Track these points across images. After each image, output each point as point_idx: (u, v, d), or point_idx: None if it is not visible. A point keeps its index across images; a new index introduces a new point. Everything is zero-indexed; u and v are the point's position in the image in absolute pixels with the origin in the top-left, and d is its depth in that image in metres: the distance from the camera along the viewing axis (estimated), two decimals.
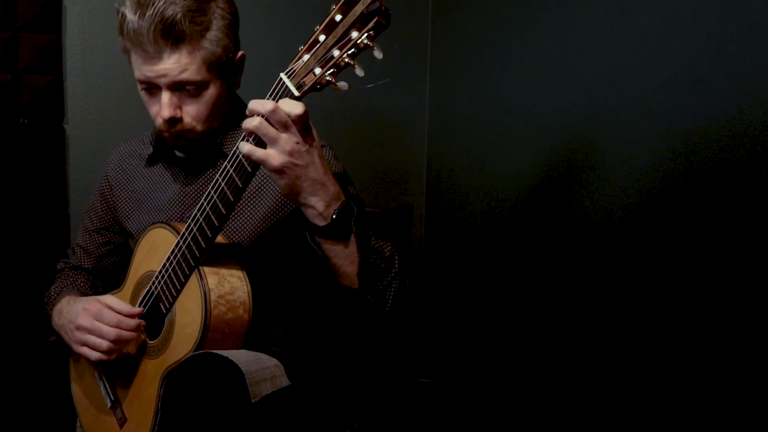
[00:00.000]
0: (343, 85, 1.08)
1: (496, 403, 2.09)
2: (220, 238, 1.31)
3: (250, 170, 1.15)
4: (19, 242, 1.98)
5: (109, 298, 1.34)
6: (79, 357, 1.45)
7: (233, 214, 1.30)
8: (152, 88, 1.34)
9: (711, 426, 1.46)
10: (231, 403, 1.12)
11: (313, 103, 1.12)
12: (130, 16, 1.27)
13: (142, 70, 1.32)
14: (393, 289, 1.27)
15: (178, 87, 1.32)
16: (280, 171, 1.11)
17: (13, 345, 1.90)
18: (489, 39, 2.14)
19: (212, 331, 1.22)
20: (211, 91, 1.35)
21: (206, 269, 1.24)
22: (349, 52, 1.05)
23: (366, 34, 1.03)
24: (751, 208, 1.38)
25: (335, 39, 1.05)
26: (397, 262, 1.28)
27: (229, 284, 1.24)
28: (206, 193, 1.21)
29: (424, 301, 2.37)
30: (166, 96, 1.33)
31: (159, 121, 1.36)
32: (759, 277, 1.37)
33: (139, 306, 1.35)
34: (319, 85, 1.09)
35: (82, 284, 1.56)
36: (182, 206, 1.46)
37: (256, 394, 1.13)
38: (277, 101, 1.10)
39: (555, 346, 1.88)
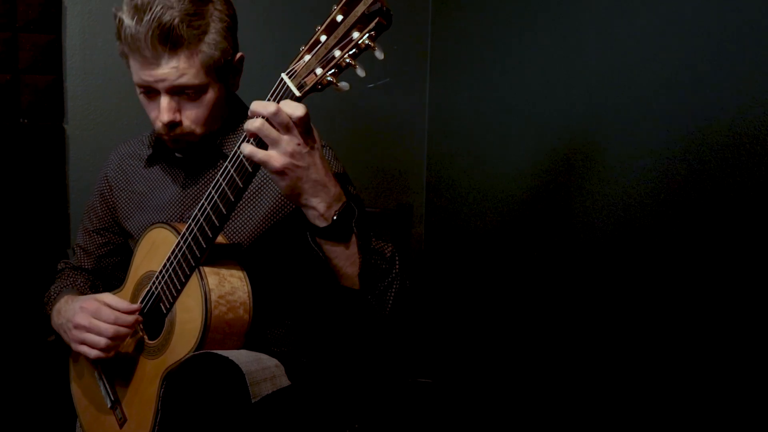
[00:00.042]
0: (344, 85, 1.08)
1: (496, 403, 2.09)
2: (220, 239, 1.31)
3: (251, 170, 1.15)
4: (19, 242, 1.98)
5: (106, 296, 1.34)
6: (79, 357, 1.45)
7: (233, 214, 1.30)
8: (151, 92, 1.34)
9: (711, 426, 1.46)
10: (231, 403, 1.12)
11: (314, 103, 1.12)
12: (128, 21, 1.26)
13: (141, 75, 1.31)
14: (394, 290, 1.27)
15: (177, 91, 1.32)
16: (281, 172, 1.11)
17: (13, 345, 1.89)
18: (489, 39, 2.14)
19: (213, 331, 1.22)
20: (210, 95, 1.34)
21: (207, 269, 1.24)
22: (351, 53, 1.05)
23: (367, 35, 1.03)
24: (751, 207, 1.38)
25: (336, 39, 1.05)
26: (397, 262, 1.28)
27: (229, 284, 1.24)
28: (207, 193, 1.21)
29: (424, 301, 2.37)
30: (165, 100, 1.32)
31: (158, 125, 1.35)
32: (759, 276, 1.37)
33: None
34: (320, 86, 1.09)
35: (81, 284, 1.56)
36: (182, 207, 1.46)
37: (257, 394, 1.13)
38: (278, 101, 1.10)
39: (555, 346, 1.88)
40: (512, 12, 2.04)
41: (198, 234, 1.23)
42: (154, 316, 1.33)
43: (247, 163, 1.15)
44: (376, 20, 1.02)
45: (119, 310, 1.31)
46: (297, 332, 1.47)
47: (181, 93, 1.32)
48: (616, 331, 1.69)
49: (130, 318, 1.31)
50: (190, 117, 1.35)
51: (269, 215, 1.39)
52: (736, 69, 1.40)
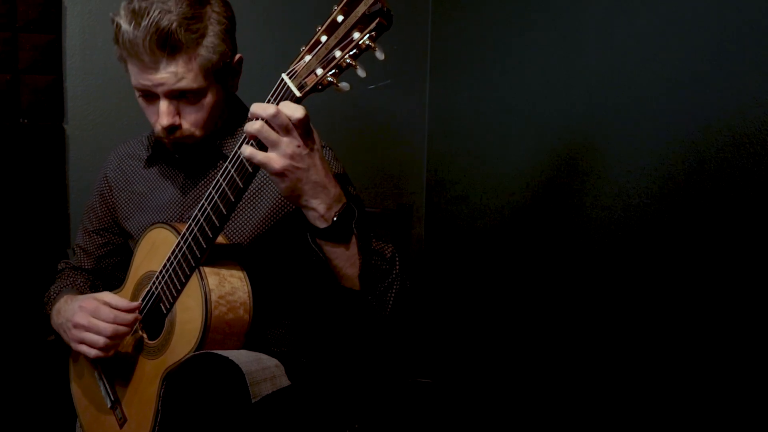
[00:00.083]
0: (344, 85, 1.08)
1: (496, 403, 2.09)
2: (220, 239, 1.31)
3: (251, 171, 1.15)
4: (19, 242, 1.98)
5: (106, 295, 1.34)
6: (79, 357, 1.45)
7: (234, 214, 1.30)
8: (150, 96, 1.34)
9: (711, 426, 1.46)
10: (231, 404, 1.12)
11: (314, 103, 1.12)
12: (125, 26, 1.25)
13: (139, 79, 1.31)
14: (394, 291, 1.27)
15: (176, 95, 1.31)
16: (281, 174, 1.11)
17: (13, 345, 1.89)
18: (489, 39, 2.14)
19: (213, 331, 1.22)
20: (209, 98, 1.34)
21: (207, 269, 1.24)
22: (351, 53, 1.05)
23: (368, 35, 1.03)
24: (751, 207, 1.39)
25: (337, 40, 1.05)
26: (398, 263, 1.28)
27: (229, 285, 1.24)
28: (207, 193, 1.21)
29: (424, 301, 2.37)
30: (164, 104, 1.32)
31: (158, 129, 1.35)
32: (759, 276, 1.37)
33: None
34: (321, 86, 1.08)
35: (81, 284, 1.56)
36: (182, 207, 1.46)
37: (257, 394, 1.13)
38: (278, 102, 1.10)
39: (555, 346, 1.88)
40: (512, 12, 2.04)
41: (198, 234, 1.23)
42: (154, 317, 1.33)
43: (247, 164, 1.15)
44: (376, 21, 1.02)
45: (118, 309, 1.31)
46: (297, 332, 1.47)
47: (180, 97, 1.32)
48: (617, 331, 1.69)
49: (129, 317, 1.31)
50: (190, 120, 1.35)
51: (269, 215, 1.39)
52: (736, 69, 1.40)
